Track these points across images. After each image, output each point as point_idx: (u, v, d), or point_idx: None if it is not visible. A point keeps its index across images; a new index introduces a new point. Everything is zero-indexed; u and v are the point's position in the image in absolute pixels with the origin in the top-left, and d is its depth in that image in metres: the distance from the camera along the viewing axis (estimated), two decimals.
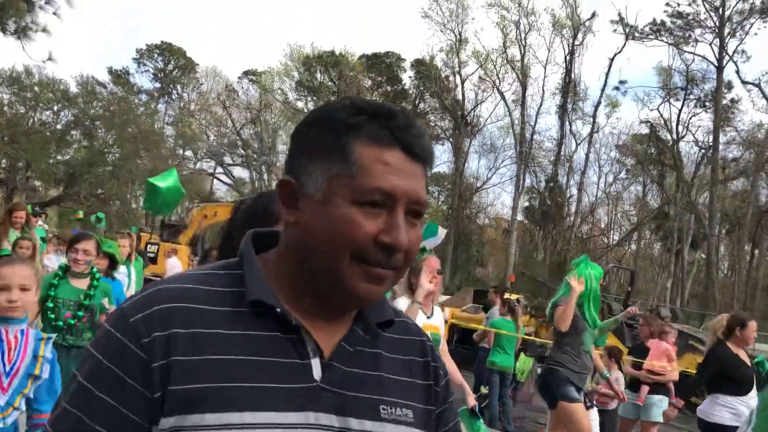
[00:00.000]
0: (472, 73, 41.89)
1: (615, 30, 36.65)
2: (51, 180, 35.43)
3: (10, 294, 2.62)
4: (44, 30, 9.62)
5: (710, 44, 34.33)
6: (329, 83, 43.79)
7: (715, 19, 33.90)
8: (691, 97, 37.02)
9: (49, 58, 9.92)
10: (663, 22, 35.41)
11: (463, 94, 41.76)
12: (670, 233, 38.74)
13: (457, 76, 41.74)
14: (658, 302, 33.27)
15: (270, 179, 45.93)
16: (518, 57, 39.45)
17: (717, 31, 33.73)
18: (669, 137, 37.72)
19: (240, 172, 48.33)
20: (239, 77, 48.38)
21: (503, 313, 9.26)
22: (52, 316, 4.11)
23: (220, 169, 48.15)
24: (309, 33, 55.10)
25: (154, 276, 10.15)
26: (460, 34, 40.65)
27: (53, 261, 7.92)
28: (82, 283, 4.29)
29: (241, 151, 46.63)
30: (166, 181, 10.47)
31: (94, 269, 4.44)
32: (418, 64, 43.36)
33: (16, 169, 34.30)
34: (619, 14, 36.65)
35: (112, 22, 73.14)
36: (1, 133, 32.34)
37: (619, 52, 37.05)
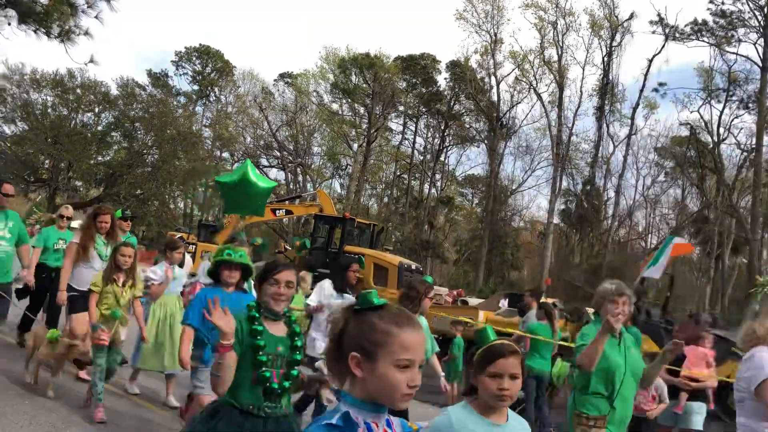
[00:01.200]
0: (508, 74, 41.68)
1: (654, 31, 36.12)
2: (92, 180, 36.23)
3: (414, 375, 1.58)
4: (86, 33, 9.82)
5: (754, 44, 33.51)
6: (364, 85, 43.93)
7: (759, 18, 33.09)
8: (734, 98, 36.23)
9: (91, 61, 10.12)
10: (705, 22, 34.70)
11: (498, 96, 41.57)
12: (710, 237, 37.89)
13: (493, 78, 41.57)
14: (698, 308, 32.56)
15: (305, 181, 46.27)
16: (555, 58, 39.16)
17: (762, 30, 32.92)
18: (709, 139, 36.95)
19: (275, 174, 48.90)
20: (275, 80, 48.97)
21: (540, 317, 9.13)
22: (267, 374, 2.91)
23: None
24: (344, 35, 55.23)
25: (191, 275, 10.03)
26: (495, 35, 40.47)
27: (158, 274, 6.69)
28: (278, 329, 3.06)
29: (277, 152, 47.09)
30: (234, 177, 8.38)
31: (286, 310, 3.17)
32: (453, 65, 43.24)
33: (59, 170, 35.15)
34: (659, 14, 36.04)
35: (147, 22, 74.41)
36: (44, 134, 33.18)
37: (658, 53, 36.62)
